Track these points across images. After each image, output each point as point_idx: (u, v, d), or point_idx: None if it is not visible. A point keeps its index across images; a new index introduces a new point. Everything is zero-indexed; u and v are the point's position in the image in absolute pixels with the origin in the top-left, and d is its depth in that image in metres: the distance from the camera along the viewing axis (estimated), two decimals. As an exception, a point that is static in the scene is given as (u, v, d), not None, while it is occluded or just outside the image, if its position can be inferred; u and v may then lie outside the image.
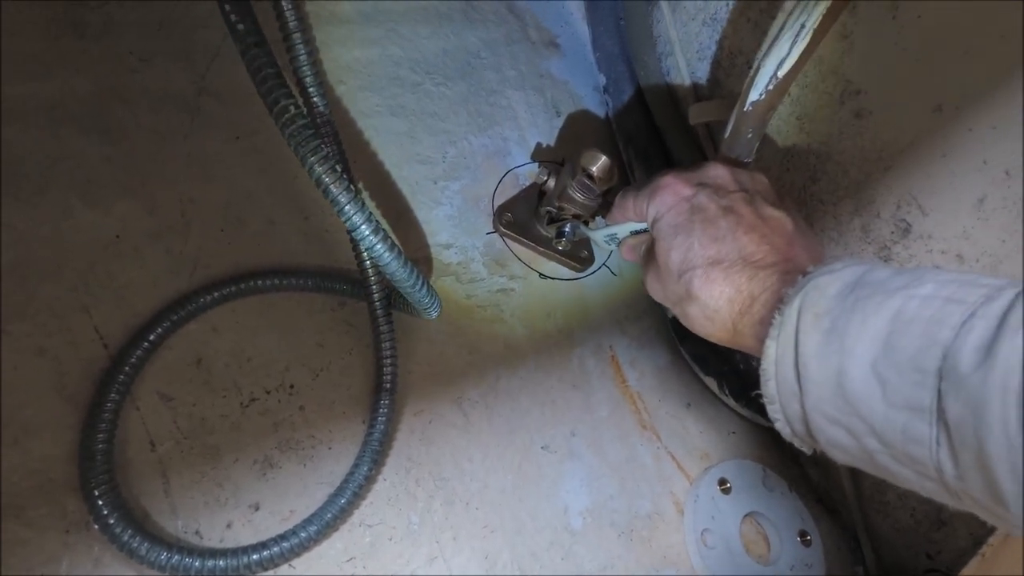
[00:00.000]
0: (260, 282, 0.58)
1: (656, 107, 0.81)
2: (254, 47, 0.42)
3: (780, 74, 0.46)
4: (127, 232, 0.56)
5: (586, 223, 0.70)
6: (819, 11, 0.42)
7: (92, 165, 0.57)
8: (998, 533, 0.43)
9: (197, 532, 0.50)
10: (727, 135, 0.55)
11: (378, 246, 0.46)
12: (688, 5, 0.79)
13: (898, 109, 0.59)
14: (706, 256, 0.43)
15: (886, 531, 0.72)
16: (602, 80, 0.88)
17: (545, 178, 0.72)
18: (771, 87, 0.48)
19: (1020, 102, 0.50)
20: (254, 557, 0.49)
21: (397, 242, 0.49)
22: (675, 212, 0.46)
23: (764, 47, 0.47)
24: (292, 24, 0.48)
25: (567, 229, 0.70)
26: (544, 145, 0.84)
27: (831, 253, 0.70)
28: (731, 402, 0.76)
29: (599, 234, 0.62)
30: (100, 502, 0.45)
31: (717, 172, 0.48)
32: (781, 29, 0.44)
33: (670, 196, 0.47)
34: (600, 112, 0.90)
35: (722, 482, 0.72)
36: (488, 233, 0.75)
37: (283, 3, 0.47)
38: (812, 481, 0.78)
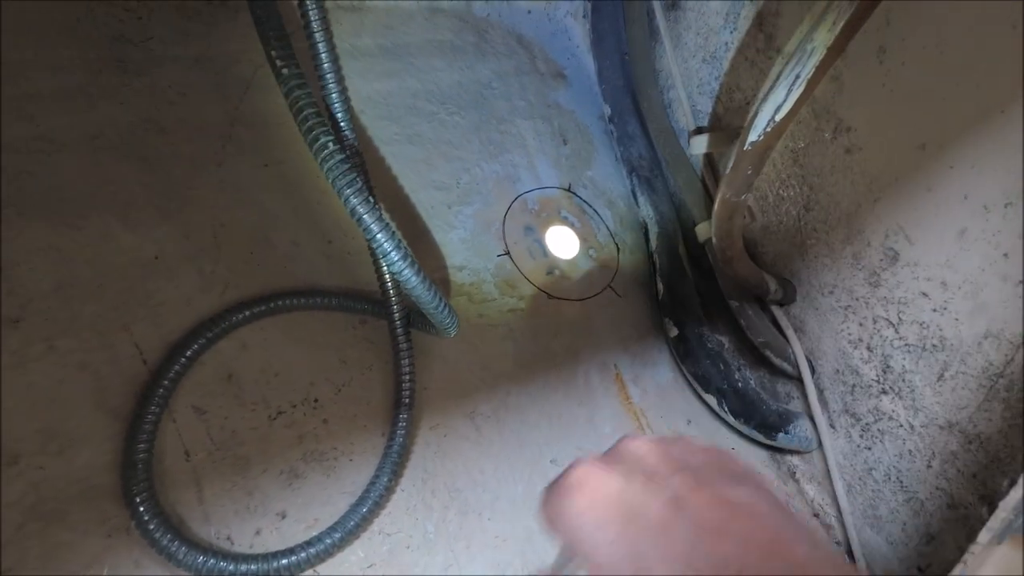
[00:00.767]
0: (287, 301, 0.62)
1: (658, 138, 0.85)
2: (297, 88, 0.46)
3: (777, 118, 0.51)
4: (164, 254, 0.60)
5: None
6: (813, 63, 0.46)
7: (131, 191, 0.60)
8: (979, 540, 0.46)
9: (228, 538, 0.53)
10: (728, 171, 0.59)
11: (406, 271, 0.49)
12: (689, 43, 0.83)
13: (886, 146, 0.64)
14: None
15: (879, 545, 0.75)
16: (607, 110, 0.92)
17: None
18: (769, 129, 0.52)
19: (997, 143, 0.54)
20: (282, 562, 0.52)
21: (421, 268, 0.52)
22: (600, 524, 0.29)
23: (762, 93, 0.51)
24: (327, 65, 0.52)
25: None
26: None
27: (824, 280, 0.74)
28: (730, 419, 0.79)
29: None
30: (141, 508, 0.48)
31: (639, 449, 0.32)
32: (778, 78, 0.48)
33: (587, 496, 0.30)
34: (605, 140, 0.94)
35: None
36: (499, 255, 0.79)
37: (319, 45, 0.51)
38: (808, 496, 0.82)
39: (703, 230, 0.80)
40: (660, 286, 0.84)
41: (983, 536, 0.46)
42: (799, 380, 0.79)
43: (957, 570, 0.46)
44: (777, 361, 0.78)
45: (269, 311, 0.61)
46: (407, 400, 0.62)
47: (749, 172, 0.56)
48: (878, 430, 0.71)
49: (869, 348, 0.71)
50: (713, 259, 0.83)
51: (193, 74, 0.65)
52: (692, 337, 0.81)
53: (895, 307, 0.67)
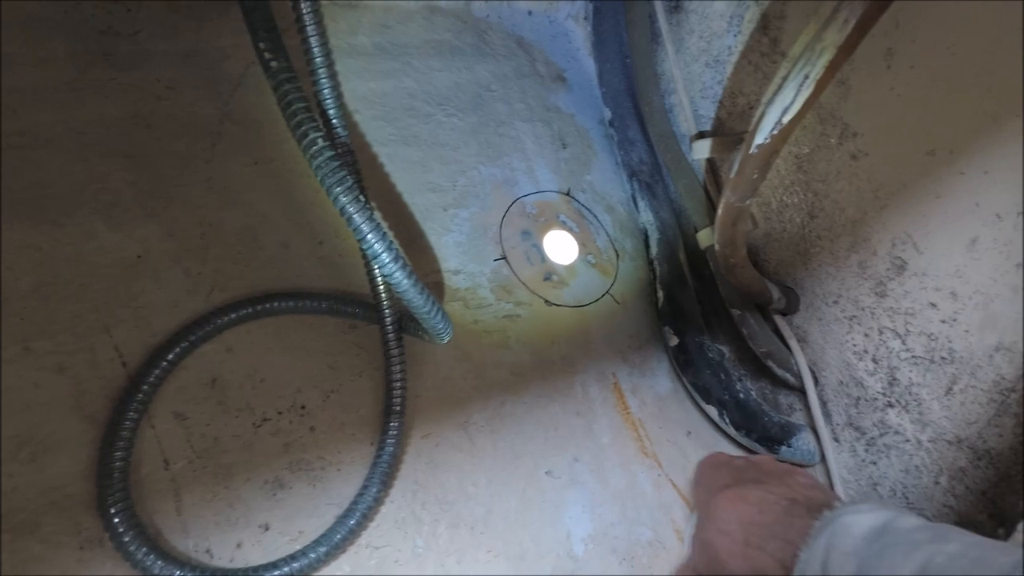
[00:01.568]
0: (275, 304, 0.60)
1: (659, 143, 0.84)
2: (286, 83, 0.44)
3: (784, 120, 0.49)
4: (148, 254, 0.58)
5: None
6: (823, 62, 0.45)
7: (116, 189, 0.59)
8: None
9: (208, 551, 0.51)
10: (732, 175, 0.57)
11: (397, 273, 0.47)
12: (691, 46, 0.82)
13: (893, 152, 0.62)
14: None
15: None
16: (608, 114, 0.91)
17: None
18: (775, 132, 0.50)
19: (1011, 149, 0.53)
20: (264, 577, 0.49)
21: (414, 270, 0.50)
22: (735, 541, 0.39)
23: (768, 94, 0.50)
24: (319, 60, 0.50)
25: None
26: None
27: (829, 289, 0.72)
28: (731, 431, 0.77)
29: None
30: (116, 519, 0.46)
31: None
32: (786, 78, 0.47)
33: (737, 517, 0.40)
34: (605, 145, 0.93)
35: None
36: (495, 260, 0.77)
37: (312, 39, 0.49)
38: (810, 511, 0.79)
39: (705, 236, 0.78)
40: (660, 294, 0.82)
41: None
42: (802, 392, 0.77)
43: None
44: (779, 372, 0.76)
45: (256, 314, 0.59)
46: (398, 408, 0.60)
47: (755, 176, 0.55)
48: (883, 444, 0.69)
49: (875, 360, 0.69)
50: (715, 266, 0.81)
51: (182, 69, 0.64)
52: (692, 346, 0.79)
53: (902, 318, 0.65)
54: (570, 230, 0.84)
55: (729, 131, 0.79)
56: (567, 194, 0.86)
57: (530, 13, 0.94)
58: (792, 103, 0.47)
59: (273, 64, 0.44)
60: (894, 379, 0.67)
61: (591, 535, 0.66)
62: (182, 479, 0.52)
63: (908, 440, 0.67)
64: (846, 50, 0.44)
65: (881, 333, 0.68)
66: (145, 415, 0.52)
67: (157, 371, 0.52)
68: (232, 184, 0.64)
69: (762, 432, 0.75)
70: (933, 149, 0.58)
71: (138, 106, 0.61)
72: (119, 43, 0.62)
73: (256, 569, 0.50)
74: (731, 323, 0.79)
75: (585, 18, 0.95)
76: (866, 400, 0.70)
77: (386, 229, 0.47)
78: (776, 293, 0.74)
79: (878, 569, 0.32)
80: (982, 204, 0.56)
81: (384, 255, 0.46)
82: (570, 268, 0.81)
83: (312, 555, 0.52)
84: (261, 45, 0.44)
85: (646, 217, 0.86)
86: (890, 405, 0.68)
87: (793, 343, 0.76)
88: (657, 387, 0.80)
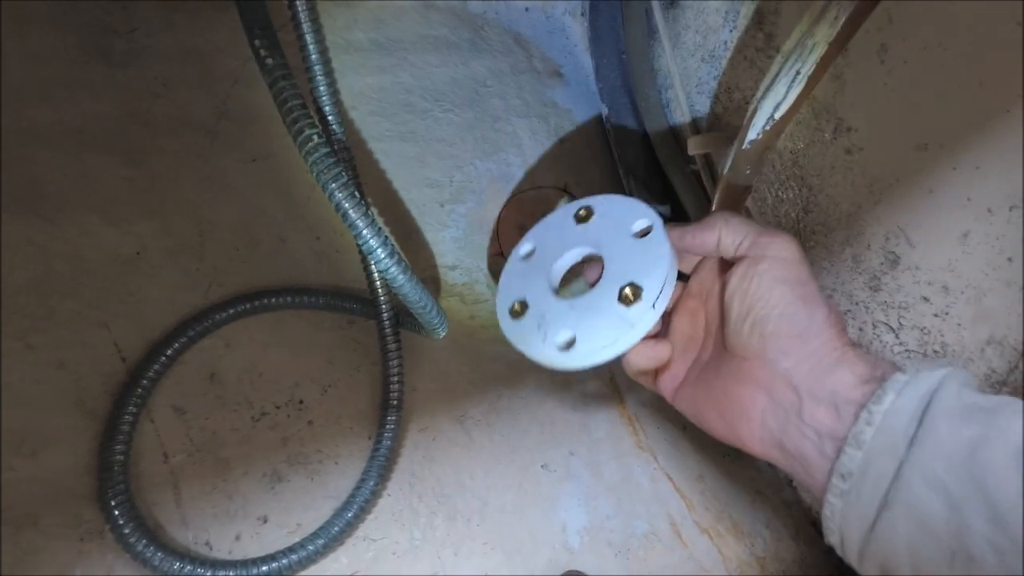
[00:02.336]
0: (272, 300, 0.60)
1: (656, 138, 0.84)
2: (281, 80, 0.45)
3: (777, 116, 0.49)
4: (146, 250, 0.58)
5: None
6: (814, 58, 0.45)
7: (113, 186, 0.59)
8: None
9: (207, 543, 0.52)
10: (726, 171, 0.57)
11: (392, 269, 0.48)
12: (687, 42, 0.82)
13: (887, 146, 0.62)
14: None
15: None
16: (604, 110, 0.91)
17: None
18: (768, 127, 0.51)
19: (1002, 144, 0.53)
20: (262, 569, 0.50)
21: (409, 265, 0.51)
22: None
23: (761, 90, 0.50)
24: (315, 56, 0.51)
25: None
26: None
27: (824, 283, 0.72)
28: (726, 425, 0.77)
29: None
30: (116, 512, 0.47)
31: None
32: (778, 74, 0.47)
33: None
34: (602, 141, 0.93)
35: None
36: (493, 255, 0.77)
37: (307, 36, 0.50)
38: (804, 504, 0.80)
39: (700, 232, 0.79)
40: (656, 288, 0.82)
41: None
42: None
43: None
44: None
45: (254, 309, 0.59)
46: (395, 402, 0.60)
47: (748, 172, 0.55)
48: (877, 437, 0.70)
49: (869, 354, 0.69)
50: (710, 261, 0.81)
51: (179, 66, 0.64)
52: (688, 341, 0.79)
53: (895, 312, 0.66)
54: (566, 225, 0.84)
55: (725, 126, 0.79)
56: (564, 190, 0.87)
57: (527, 9, 0.94)
58: (784, 99, 0.48)
59: (268, 61, 0.44)
60: (887, 373, 0.67)
61: (587, 527, 0.67)
62: (181, 472, 0.53)
63: (901, 433, 0.67)
64: (837, 45, 0.45)
65: (875, 327, 0.68)
66: (144, 409, 0.53)
67: (156, 366, 0.53)
68: (229, 181, 0.64)
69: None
70: (926, 144, 0.59)
71: (135, 103, 0.62)
72: (115, 40, 0.62)
73: (255, 561, 0.50)
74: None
75: (582, 14, 0.95)
76: (860, 393, 0.71)
77: (382, 225, 0.48)
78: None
79: (1002, 406, 0.31)
80: (974, 198, 0.56)
81: (380, 251, 0.47)
82: (566, 263, 0.82)
83: (310, 547, 0.52)
84: (256, 42, 0.44)
85: (642, 212, 0.86)
86: (883, 398, 0.68)
87: (788, 337, 0.77)
88: (653, 381, 0.81)
